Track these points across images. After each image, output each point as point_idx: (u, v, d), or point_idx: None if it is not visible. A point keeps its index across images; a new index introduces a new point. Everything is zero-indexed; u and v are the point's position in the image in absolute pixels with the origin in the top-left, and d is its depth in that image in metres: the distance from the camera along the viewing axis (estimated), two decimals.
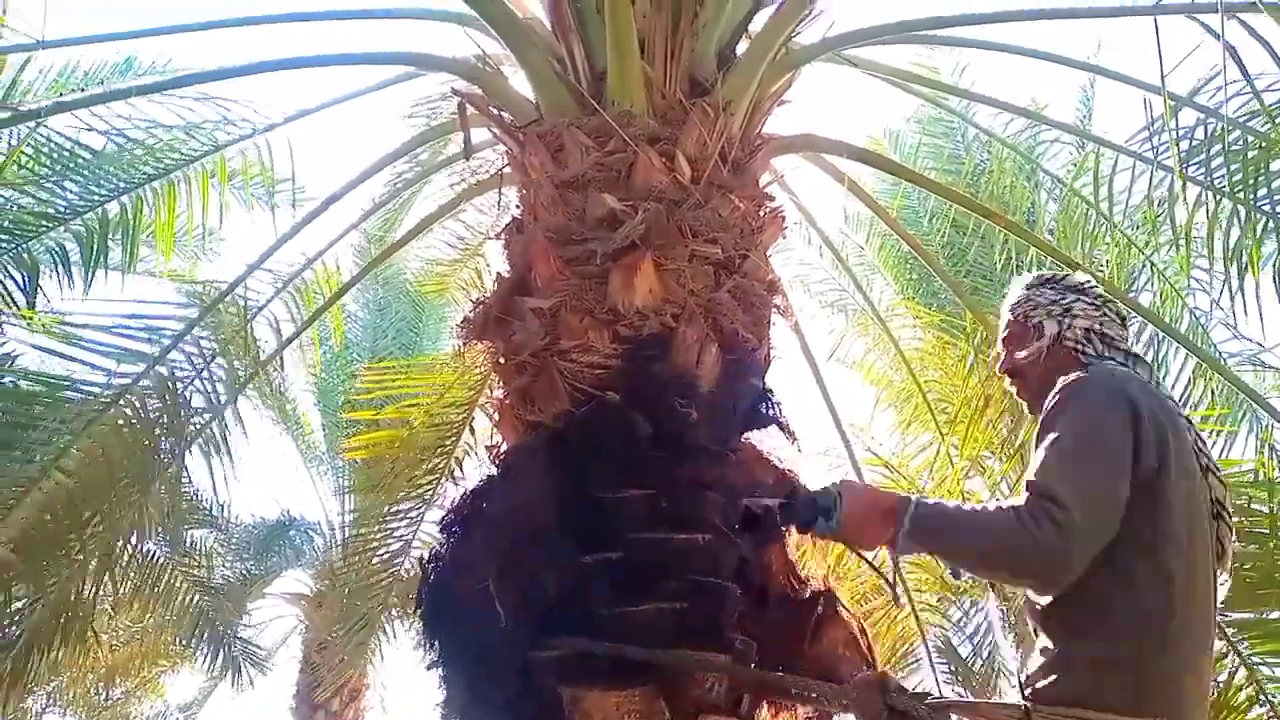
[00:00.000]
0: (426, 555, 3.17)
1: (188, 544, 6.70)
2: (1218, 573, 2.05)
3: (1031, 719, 1.88)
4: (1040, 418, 2.10)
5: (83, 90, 5.43)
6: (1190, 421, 2.13)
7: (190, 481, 4.99)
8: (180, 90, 4.68)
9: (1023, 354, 2.30)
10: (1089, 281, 2.34)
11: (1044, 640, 1.99)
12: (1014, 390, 2.40)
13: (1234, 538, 2.09)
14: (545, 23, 3.78)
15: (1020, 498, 1.93)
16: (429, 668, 2.97)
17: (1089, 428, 1.97)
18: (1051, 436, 1.99)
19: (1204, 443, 2.11)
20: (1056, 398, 2.06)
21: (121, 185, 4.66)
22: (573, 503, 2.85)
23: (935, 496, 3.66)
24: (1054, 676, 1.92)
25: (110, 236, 4.65)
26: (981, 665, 5.61)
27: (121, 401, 4.29)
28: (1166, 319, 4.83)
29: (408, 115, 5.62)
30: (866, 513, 2.06)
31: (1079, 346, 2.23)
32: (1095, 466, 1.92)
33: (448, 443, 5.43)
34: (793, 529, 2.30)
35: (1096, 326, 2.23)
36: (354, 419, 6.78)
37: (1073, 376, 2.10)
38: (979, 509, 2.02)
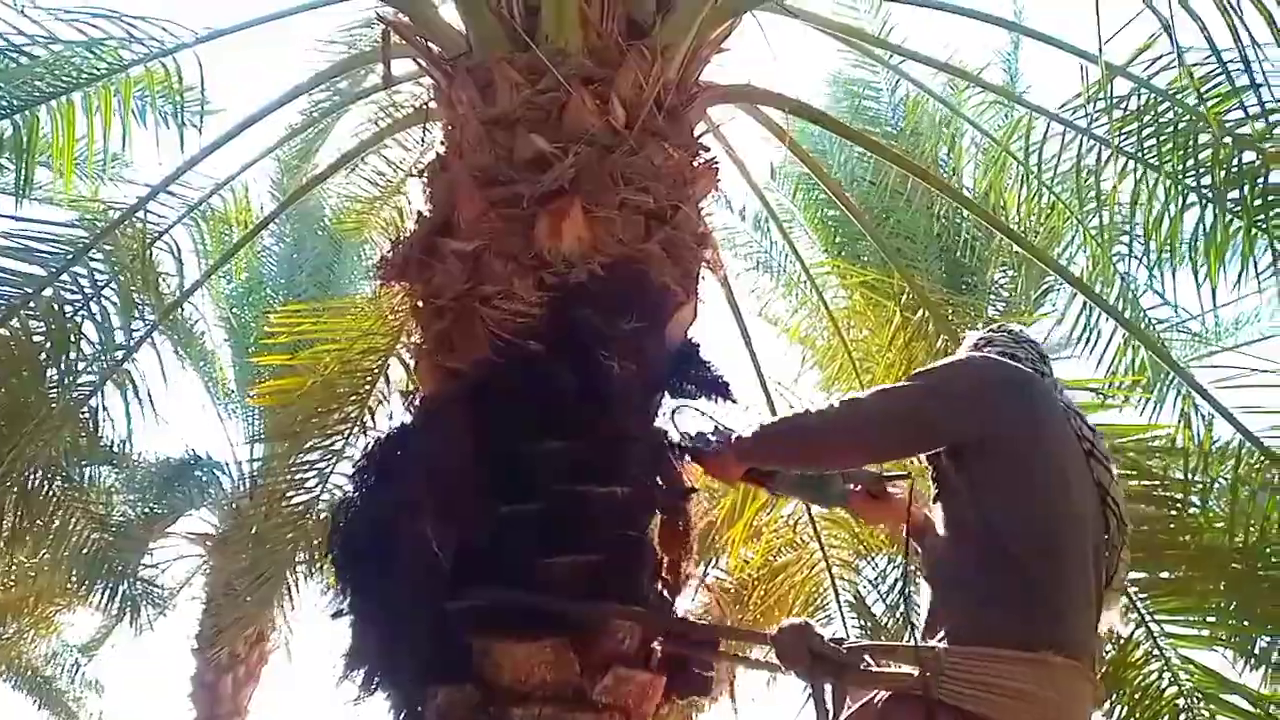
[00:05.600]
0: (339, 503, 3.07)
1: (86, 480, 6.39)
2: (1109, 549, 2.15)
3: (942, 660, 1.93)
4: None
5: None
6: (1077, 410, 2.27)
7: (90, 415, 4.75)
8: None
9: None
10: (1007, 330, 2.50)
11: (936, 590, 2.15)
12: None
13: (1123, 524, 2.18)
14: None
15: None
16: (337, 615, 2.89)
17: (923, 377, 2.31)
18: None
19: (1091, 430, 2.24)
20: None
21: (15, 103, 4.33)
22: (491, 453, 2.77)
23: None
24: (950, 621, 2.02)
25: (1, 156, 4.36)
26: (895, 623, 5.72)
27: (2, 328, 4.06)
28: (1097, 283, 4.85)
29: (329, 41, 5.37)
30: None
31: None
32: (909, 391, 2.26)
33: (362, 390, 5.24)
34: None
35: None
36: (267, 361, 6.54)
37: None
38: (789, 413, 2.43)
